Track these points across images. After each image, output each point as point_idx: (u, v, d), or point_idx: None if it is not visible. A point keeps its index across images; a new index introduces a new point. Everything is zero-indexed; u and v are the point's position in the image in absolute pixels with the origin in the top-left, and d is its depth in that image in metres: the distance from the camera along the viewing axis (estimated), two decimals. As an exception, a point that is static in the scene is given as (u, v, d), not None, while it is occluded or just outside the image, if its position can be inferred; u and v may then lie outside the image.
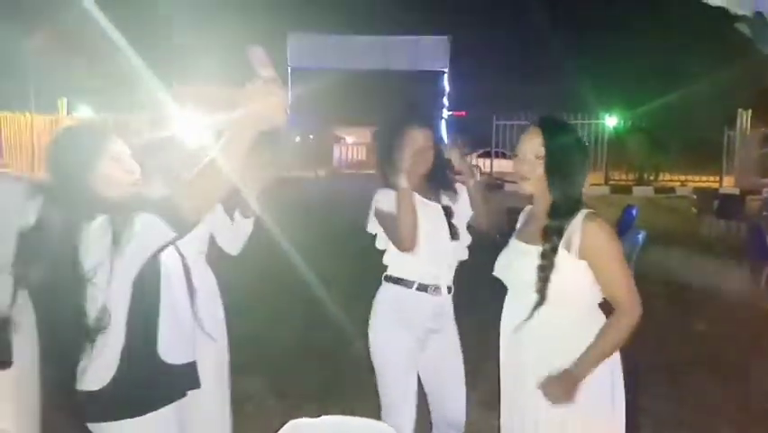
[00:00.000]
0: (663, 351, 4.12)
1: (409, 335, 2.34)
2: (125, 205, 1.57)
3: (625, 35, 27.58)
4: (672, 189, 18.33)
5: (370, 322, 2.41)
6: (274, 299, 5.62)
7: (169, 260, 1.72)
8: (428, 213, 2.28)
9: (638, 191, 17.79)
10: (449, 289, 2.36)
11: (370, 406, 3.49)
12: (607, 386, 1.82)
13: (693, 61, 24.02)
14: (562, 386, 1.74)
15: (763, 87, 21.23)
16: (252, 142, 1.42)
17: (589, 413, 1.79)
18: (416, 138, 2.29)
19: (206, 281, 2.23)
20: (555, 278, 1.76)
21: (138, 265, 1.55)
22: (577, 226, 1.76)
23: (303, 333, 4.84)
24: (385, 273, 2.40)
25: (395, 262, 2.38)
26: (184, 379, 1.73)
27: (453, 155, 2.35)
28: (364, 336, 4.15)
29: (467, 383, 3.71)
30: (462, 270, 2.39)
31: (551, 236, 1.78)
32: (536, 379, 1.80)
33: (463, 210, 2.37)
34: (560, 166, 1.80)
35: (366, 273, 7.54)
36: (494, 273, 1.97)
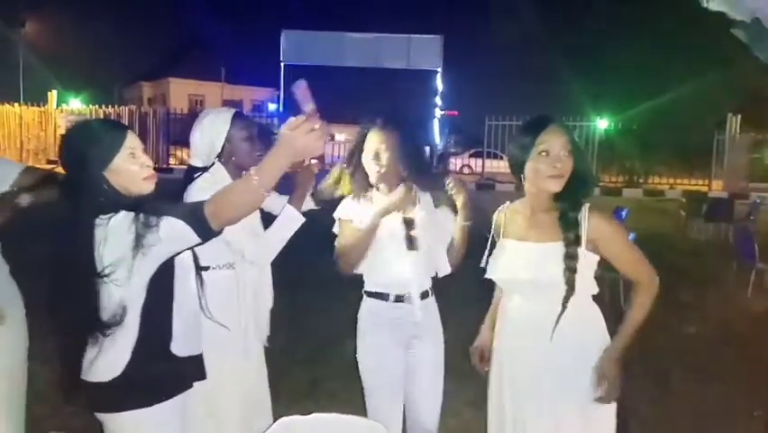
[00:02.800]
0: (652, 353, 4.14)
1: (391, 340, 2.34)
2: (148, 203, 1.62)
3: (617, 38, 27.70)
4: (662, 192, 18.46)
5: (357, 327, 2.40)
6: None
7: (188, 261, 1.78)
8: (386, 224, 2.21)
9: (628, 194, 17.90)
10: (423, 295, 2.28)
11: (361, 403, 3.50)
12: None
13: (685, 65, 24.18)
14: (615, 365, 1.81)
15: (753, 91, 21.44)
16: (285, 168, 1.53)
17: (582, 415, 1.80)
18: (371, 140, 2.24)
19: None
20: (579, 269, 1.81)
21: (157, 264, 1.60)
22: (583, 219, 1.81)
23: (292, 330, 4.82)
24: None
25: (364, 273, 2.37)
26: (191, 371, 1.77)
27: (455, 190, 2.26)
28: (353, 334, 4.14)
29: (455, 382, 3.73)
30: (446, 277, 2.37)
31: (571, 227, 1.81)
32: (572, 372, 1.84)
33: (435, 221, 2.26)
34: (583, 160, 1.88)
35: (353, 274, 7.52)
36: (495, 276, 1.96)
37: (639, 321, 1.88)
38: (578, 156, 1.84)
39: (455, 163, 25.88)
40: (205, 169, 2.21)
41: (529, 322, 1.88)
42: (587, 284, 1.86)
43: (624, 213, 7.93)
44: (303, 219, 2.26)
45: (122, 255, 1.55)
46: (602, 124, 20.51)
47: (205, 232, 1.55)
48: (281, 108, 24.56)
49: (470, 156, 26.02)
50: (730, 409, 3.61)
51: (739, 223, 9.26)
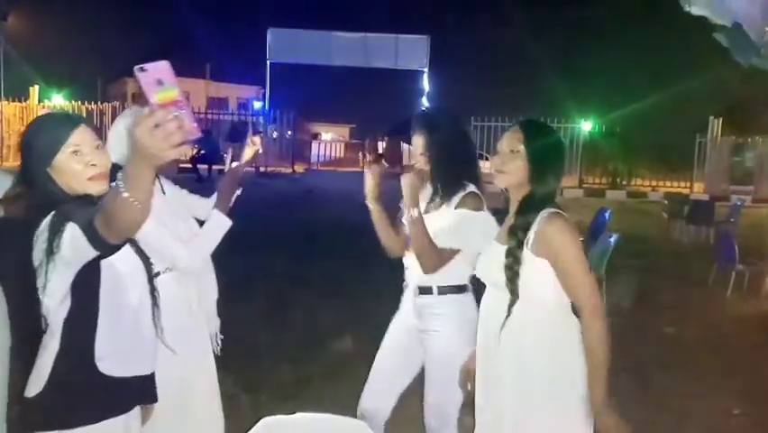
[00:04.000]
0: (633, 353, 4.19)
1: (403, 328, 2.51)
2: (66, 205, 1.50)
3: (601, 41, 27.97)
4: (644, 194, 18.66)
5: None
6: (247, 294, 5.57)
7: (126, 268, 1.61)
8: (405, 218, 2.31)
9: (611, 195, 18.07)
10: (422, 290, 2.36)
11: (345, 403, 3.49)
12: (574, 385, 1.82)
13: (667, 69, 24.47)
14: (606, 414, 1.75)
15: (735, 95, 21.76)
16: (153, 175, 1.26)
17: (554, 412, 1.81)
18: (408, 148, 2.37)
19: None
20: (523, 274, 1.78)
21: (72, 272, 1.49)
22: (535, 224, 1.78)
23: (276, 329, 4.81)
24: None
25: None
26: (126, 394, 1.62)
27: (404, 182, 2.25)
28: (337, 332, 4.16)
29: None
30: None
31: (515, 232, 1.80)
32: (511, 378, 1.83)
33: (440, 220, 2.29)
34: (536, 163, 1.83)
35: (341, 272, 7.56)
36: (475, 273, 2.01)
37: (603, 362, 1.74)
38: (531, 156, 1.82)
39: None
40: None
41: (488, 321, 1.91)
42: (549, 290, 1.80)
43: (607, 214, 8.01)
44: (230, 223, 2.21)
45: (40, 259, 1.47)
46: (586, 126, 20.69)
47: (101, 246, 1.41)
48: (267, 106, 24.42)
49: (456, 156, 26.11)
50: (710, 408, 3.66)
51: (720, 225, 9.39)
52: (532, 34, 28.44)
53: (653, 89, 22.50)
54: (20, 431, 1.60)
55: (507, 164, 1.86)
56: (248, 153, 2.44)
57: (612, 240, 5.58)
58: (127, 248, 1.57)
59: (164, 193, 2.23)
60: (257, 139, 2.43)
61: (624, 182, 20.25)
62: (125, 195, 1.24)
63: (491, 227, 2.16)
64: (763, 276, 6.62)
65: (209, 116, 23.39)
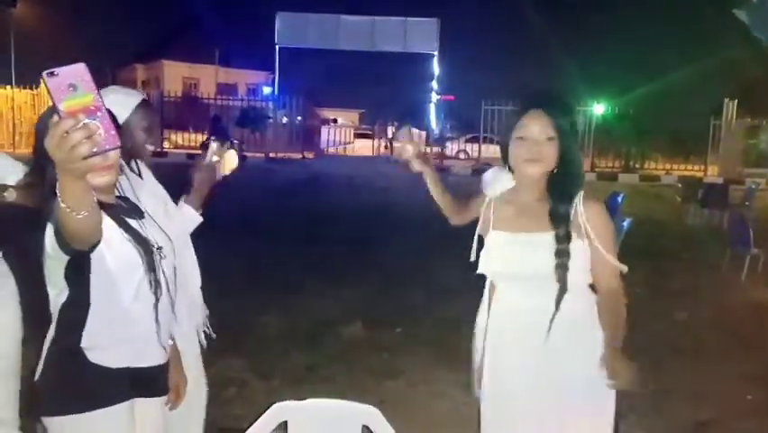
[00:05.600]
0: (646, 337, 4.16)
1: None
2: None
3: (615, 23, 27.57)
4: (658, 178, 18.48)
5: None
6: (257, 280, 5.59)
7: (118, 262, 1.57)
8: None
9: (624, 179, 17.91)
10: None
11: (356, 388, 3.51)
12: (599, 383, 1.76)
13: (682, 50, 24.08)
14: (624, 368, 1.71)
15: (750, 77, 21.40)
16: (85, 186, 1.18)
17: (584, 405, 1.78)
18: None
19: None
20: (572, 264, 1.73)
21: (62, 265, 1.50)
22: (580, 208, 1.74)
23: (286, 314, 4.82)
24: None
25: None
26: (124, 385, 1.60)
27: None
28: (348, 318, 4.15)
29: (448, 368, 3.75)
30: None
31: (562, 222, 1.74)
32: (563, 366, 1.77)
33: None
34: (572, 149, 1.78)
35: (351, 257, 7.56)
36: (486, 270, 1.88)
37: (623, 325, 1.76)
38: (564, 143, 1.75)
39: (452, 148, 25.85)
40: None
41: (522, 317, 1.82)
42: (583, 275, 1.79)
43: (620, 198, 7.93)
44: (200, 219, 2.18)
45: (40, 250, 1.50)
46: (599, 109, 20.47)
47: (67, 249, 1.41)
48: (276, 92, 24.37)
49: (467, 141, 25.97)
50: (724, 393, 3.63)
51: (734, 208, 9.28)
52: (543, 16, 28.09)
53: (666, 71, 22.19)
54: (28, 414, 1.66)
55: (542, 153, 1.76)
56: (227, 164, 2.33)
57: (625, 224, 5.53)
58: (122, 240, 1.55)
59: (141, 177, 2.18)
60: (233, 153, 2.35)
61: (637, 166, 20.06)
62: (62, 205, 1.20)
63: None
64: (778, 260, 6.54)
65: (219, 102, 23.40)
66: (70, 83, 1.06)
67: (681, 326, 4.92)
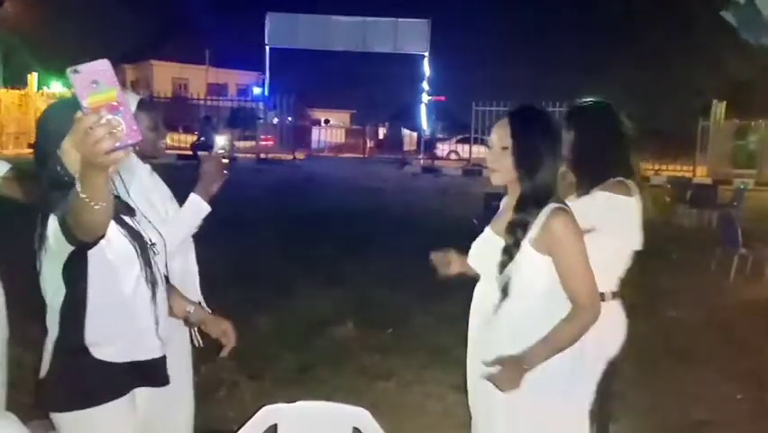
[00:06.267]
0: (635, 337, 4.17)
1: None
2: (56, 194, 1.50)
3: (604, 24, 27.72)
4: (647, 178, 18.55)
5: None
6: (248, 281, 5.56)
7: (116, 256, 1.59)
8: None
9: (613, 179, 17.96)
10: None
11: (347, 389, 3.49)
12: (564, 374, 1.79)
13: (672, 51, 24.28)
14: (507, 372, 1.72)
15: (739, 78, 21.61)
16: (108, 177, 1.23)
17: (542, 400, 1.77)
18: None
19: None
20: (517, 272, 1.73)
21: (60, 260, 1.51)
22: (541, 221, 1.72)
23: (277, 315, 4.80)
24: None
25: None
26: (128, 378, 1.64)
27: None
28: (339, 319, 4.14)
29: (439, 368, 3.75)
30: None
31: (514, 231, 1.75)
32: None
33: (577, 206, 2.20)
34: (527, 159, 1.75)
35: (342, 258, 7.54)
36: (468, 261, 1.96)
37: (556, 347, 1.73)
38: (521, 153, 1.75)
39: (442, 149, 25.90)
40: None
41: (482, 311, 1.87)
42: (548, 287, 1.76)
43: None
44: (208, 209, 2.17)
45: (37, 245, 1.52)
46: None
47: (73, 242, 1.44)
48: (266, 92, 24.30)
49: (457, 142, 26.03)
50: (714, 393, 3.66)
51: (723, 209, 9.35)
52: (534, 17, 28.22)
53: (656, 72, 22.35)
54: (35, 412, 1.68)
55: (498, 161, 1.79)
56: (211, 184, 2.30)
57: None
58: (118, 235, 1.56)
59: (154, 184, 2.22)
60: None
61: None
62: (82, 195, 1.23)
63: (634, 214, 2.18)
64: (766, 260, 6.60)
65: (209, 103, 23.30)
66: (93, 79, 1.09)
67: (670, 325, 4.95)
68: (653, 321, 4.86)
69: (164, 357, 1.74)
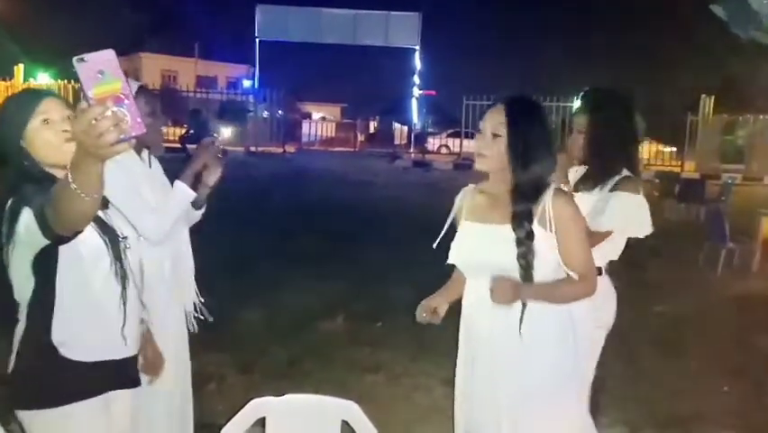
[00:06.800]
0: (623, 331, 4.20)
1: None
2: (29, 186, 1.48)
3: (595, 18, 27.79)
4: (636, 173, 18.65)
5: None
6: (238, 274, 5.54)
7: (86, 252, 1.55)
8: None
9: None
10: None
11: (336, 383, 3.49)
12: (567, 370, 1.82)
13: (660, 46, 24.38)
14: (509, 288, 1.72)
15: (727, 73, 21.75)
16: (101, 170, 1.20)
17: (543, 409, 1.79)
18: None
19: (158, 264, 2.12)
20: (536, 257, 1.74)
21: (30, 254, 1.48)
22: (548, 203, 1.74)
23: (267, 309, 4.79)
24: None
25: None
26: (98, 378, 1.59)
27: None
28: (329, 313, 4.12)
29: (428, 362, 3.76)
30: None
31: (522, 221, 1.73)
32: (519, 364, 1.79)
33: (591, 201, 2.32)
34: (520, 148, 1.75)
35: (332, 252, 7.51)
36: (455, 260, 1.90)
37: (552, 298, 1.79)
38: (514, 141, 1.74)
39: (433, 143, 25.89)
40: None
41: (489, 310, 1.80)
42: (549, 270, 1.78)
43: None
44: (193, 195, 2.14)
45: (4, 238, 1.48)
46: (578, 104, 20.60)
47: (50, 235, 1.40)
48: (256, 85, 24.15)
49: (448, 136, 26.02)
50: (700, 386, 3.69)
51: (711, 203, 9.42)
52: (525, 11, 28.22)
53: (644, 67, 22.44)
54: (2, 407, 1.65)
55: (489, 148, 1.78)
56: (210, 176, 2.27)
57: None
58: (90, 231, 1.52)
59: (150, 167, 2.23)
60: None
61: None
62: (73, 186, 1.21)
63: (646, 212, 2.23)
64: (752, 254, 6.67)
65: (198, 95, 23.12)
66: (99, 69, 1.08)
67: (658, 319, 4.99)
68: (640, 315, 4.89)
69: (135, 357, 1.70)
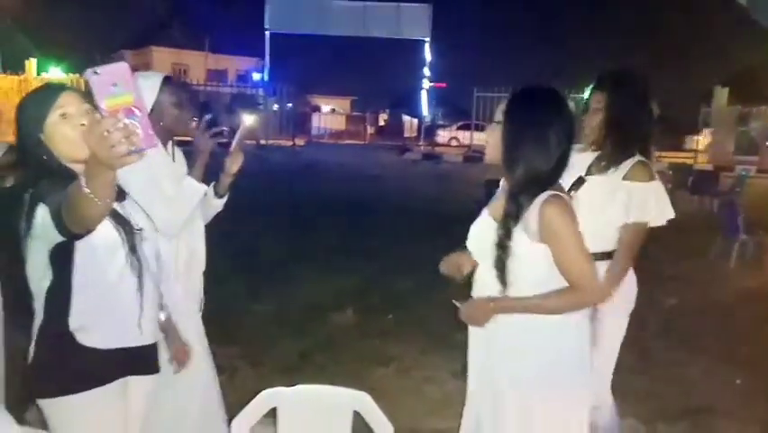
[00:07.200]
0: (635, 324, 4.17)
1: None
2: (46, 181, 1.51)
3: (610, 8, 27.50)
4: (648, 165, 18.50)
5: None
6: (248, 267, 5.57)
7: (102, 243, 1.57)
8: None
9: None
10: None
11: (346, 374, 3.50)
12: (570, 356, 1.79)
13: (676, 35, 24.10)
14: (477, 308, 1.72)
15: (742, 64, 21.46)
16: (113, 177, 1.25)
17: (552, 390, 1.76)
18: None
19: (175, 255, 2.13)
20: (513, 261, 1.70)
21: (47, 248, 1.51)
22: (535, 210, 1.67)
23: (278, 302, 4.81)
24: None
25: None
26: (114, 365, 1.62)
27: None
28: (338, 305, 4.11)
29: (439, 354, 3.76)
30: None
31: (506, 221, 1.71)
32: (500, 358, 1.78)
33: (604, 186, 2.31)
34: (512, 137, 1.71)
35: (341, 244, 7.53)
36: (468, 245, 1.91)
37: (536, 310, 1.73)
38: (509, 131, 1.71)
39: (443, 136, 25.80)
40: None
41: (483, 294, 1.81)
42: (544, 276, 1.72)
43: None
44: (204, 188, 2.15)
45: (22, 232, 1.51)
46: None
47: (66, 233, 1.44)
48: (266, 78, 24.16)
49: (458, 128, 25.93)
50: (713, 378, 3.66)
51: (724, 195, 9.32)
52: (537, 2, 27.96)
53: (658, 57, 22.20)
54: (21, 397, 1.67)
55: (491, 135, 1.77)
56: (233, 165, 2.31)
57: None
58: (105, 223, 1.53)
59: (174, 159, 2.24)
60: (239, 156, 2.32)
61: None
62: (86, 190, 1.25)
63: (664, 196, 2.24)
64: (766, 247, 6.59)
65: (209, 88, 23.20)
66: (113, 82, 1.11)
67: (671, 311, 4.95)
68: (653, 307, 4.86)
69: (154, 345, 1.72)
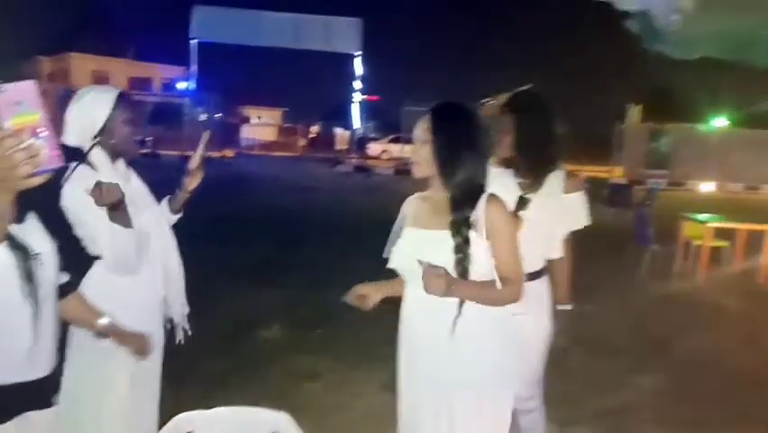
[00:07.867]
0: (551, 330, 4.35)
1: None
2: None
3: (531, 27, 28.66)
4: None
5: None
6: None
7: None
8: None
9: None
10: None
11: (274, 392, 3.44)
12: (503, 371, 1.88)
13: (591, 58, 25.42)
14: (441, 278, 1.71)
15: (654, 83, 22.91)
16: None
17: (478, 409, 1.83)
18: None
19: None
20: (473, 264, 1.77)
21: None
22: (481, 209, 1.78)
23: (202, 318, 4.66)
24: None
25: None
26: (9, 401, 1.51)
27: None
28: (266, 321, 4.00)
29: (367, 368, 3.76)
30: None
31: (460, 228, 1.77)
32: (454, 367, 1.83)
33: (546, 204, 2.45)
34: (444, 152, 1.80)
35: (271, 259, 7.40)
36: (395, 264, 1.92)
37: (478, 297, 1.79)
38: (440, 146, 1.79)
39: (375, 149, 26.01)
40: (81, 152, 2.06)
41: (428, 310, 1.83)
42: (485, 272, 1.80)
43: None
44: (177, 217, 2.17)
45: None
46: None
47: None
48: (193, 87, 23.57)
49: (390, 141, 26.22)
50: (625, 382, 3.86)
51: (637, 207, 9.87)
52: (463, 19, 28.77)
53: (574, 74, 23.35)
54: None
55: (418, 154, 1.84)
56: (192, 182, 2.36)
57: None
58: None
59: (129, 180, 2.19)
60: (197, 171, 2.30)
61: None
62: None
63: (585, 203, 2.51)
64: (673, 256, 7.04)
65: (131, 97, 22.36)
66: (17, 100, 1.07)
67: (585, 318, 5.17)
68: (568, 314, 5.06)
69: (48, 378, 1.61)
